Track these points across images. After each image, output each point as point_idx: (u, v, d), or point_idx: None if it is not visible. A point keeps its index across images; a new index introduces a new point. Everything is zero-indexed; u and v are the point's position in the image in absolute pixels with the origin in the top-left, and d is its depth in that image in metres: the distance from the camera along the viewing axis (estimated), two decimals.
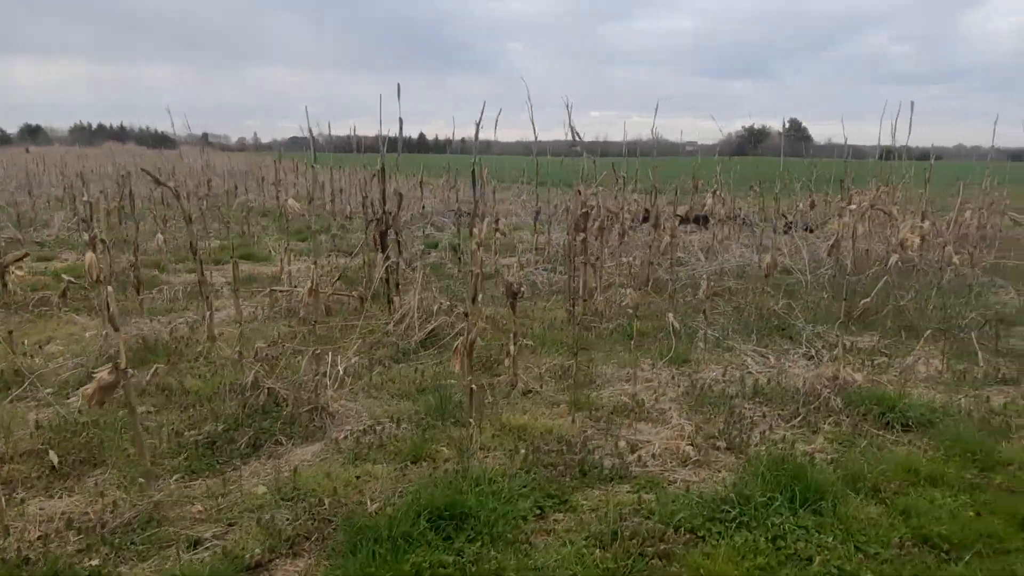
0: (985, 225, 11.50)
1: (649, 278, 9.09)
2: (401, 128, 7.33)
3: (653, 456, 4.27)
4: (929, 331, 6.49)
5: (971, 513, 3.57)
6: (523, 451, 4.20)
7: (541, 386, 5.52)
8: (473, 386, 4.55)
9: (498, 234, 9.38)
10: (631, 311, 7.61)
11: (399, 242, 7.31)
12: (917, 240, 7.27)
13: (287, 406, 4.74)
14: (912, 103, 8.53)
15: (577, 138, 7.80)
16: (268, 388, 4.79)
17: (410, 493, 3.63)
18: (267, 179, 21.93)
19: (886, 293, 7.51)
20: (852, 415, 4.87)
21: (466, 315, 5.41)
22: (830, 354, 6.25)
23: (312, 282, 6.57)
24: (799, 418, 4.85)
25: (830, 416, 4.88)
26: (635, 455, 4.30)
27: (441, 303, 6.97)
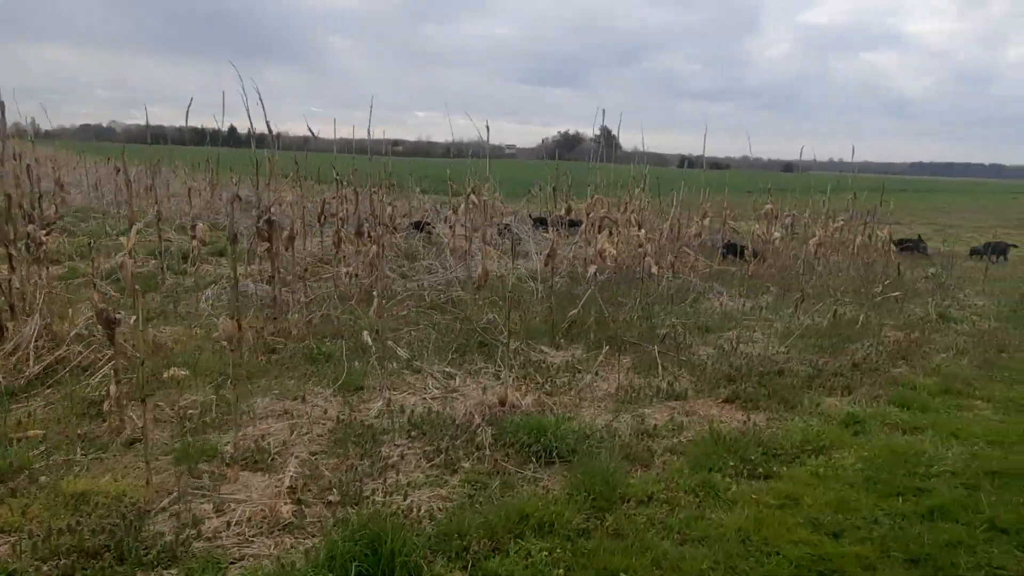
0: (710, 232, 12.24)
1: (373, 290, 8.42)
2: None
3: (236, 523, 3.52)
4: (611, 343, 6.46)
5: (560, 572, 3.21)
6: (42, 535, 3.25)
7: (158, 431, 4.58)
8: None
9: (195, 241, 8.20)
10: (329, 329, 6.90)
11: (30, 248, 5.96)
12: (612, 250, 7.27)
13: None
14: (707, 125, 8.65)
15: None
16: None
17: None
18: None
19: (596, 304, 7.45)
20: (499, 448, 4.48)
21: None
22: (514, 374, 5.94)
23: None
24: (443, 455, 4.36)
25: (477, 451, 4.45)
26: (216, 522, 3.53)
27: (78, 327, 5.76)
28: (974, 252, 14.96)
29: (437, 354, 6.40)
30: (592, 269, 6.71)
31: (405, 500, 3.82)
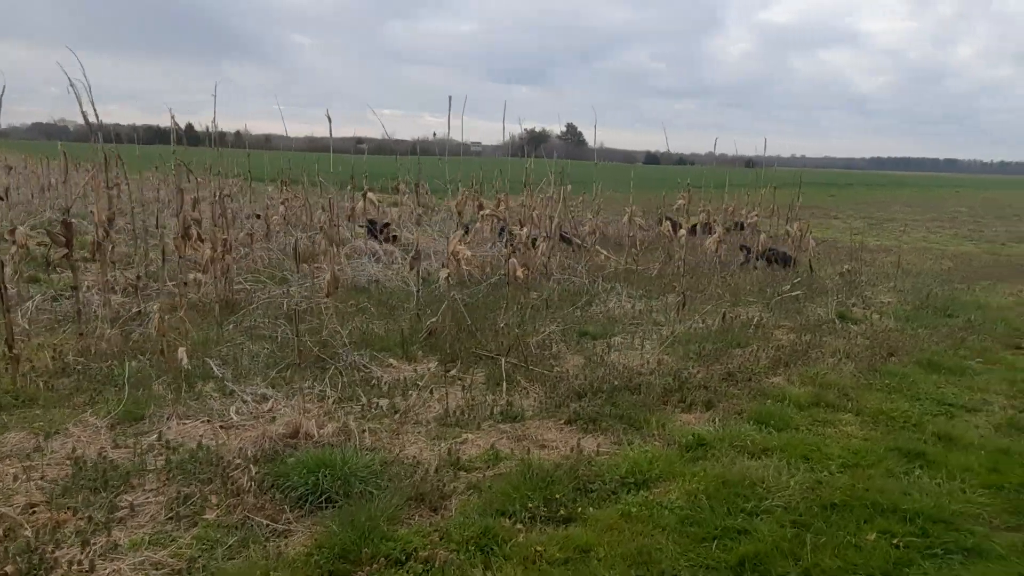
0: (635, 228, 11.67)
1: (227, 298, 7.65)
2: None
3: None
4: (466, 356, 5.82)
5: None
6: None
7: None
8: None
9: (15, 248, 7.32)
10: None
11: None
12: (466, 252, 6.62)
13: None
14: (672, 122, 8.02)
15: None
16: None
17: None
18: None
19: (459, 311, 6.80)
20: (266, 492, 3.79)
21: None
22: (337, 394, 5.26)
23: None
24: (186, 504, 3.65)
25: (235, 497, 3.75)
26: None
27: None
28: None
29: (262, 372, 5.68)
30: (443, 274, 6.04)
31: (106, 570, 3.10)
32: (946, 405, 5.49)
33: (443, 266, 6.50)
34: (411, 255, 6.79)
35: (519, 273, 7.11)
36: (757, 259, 10.87)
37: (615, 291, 9.18)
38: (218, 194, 7.80)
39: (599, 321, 7.71)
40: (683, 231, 9.57)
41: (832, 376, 6.05)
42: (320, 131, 8.69)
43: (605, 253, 10.83)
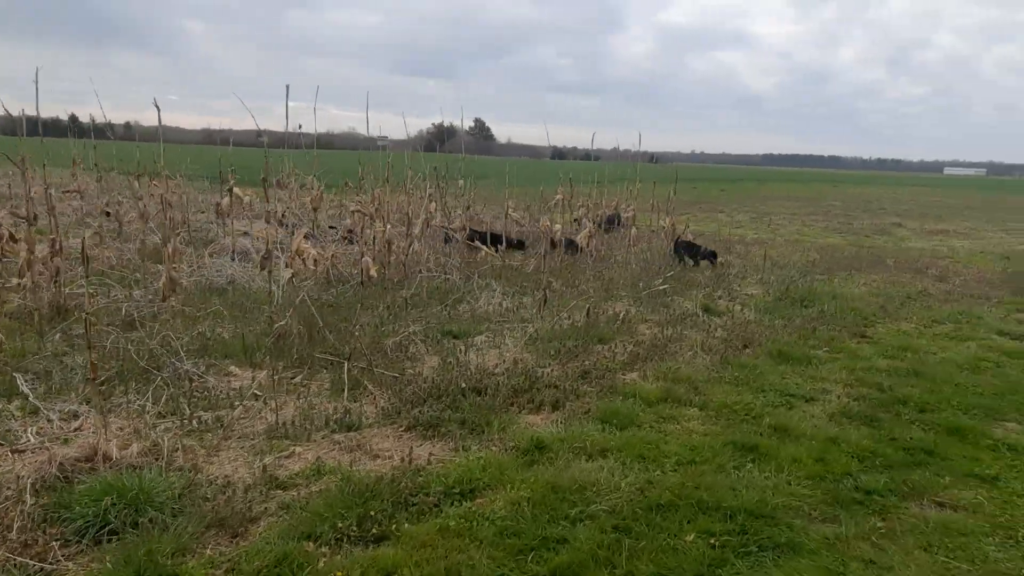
0: (512, 223, 11.55)
1: (57, 304, 6.94)
2: None
3: None
4: (314, 361, 5.47)
5: None
6: None
7: None
8: None
9: None
10: None
11: None
12: (312, 251, 6.28)
13: None
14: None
15: None
16: None
17: None
18: None
19: (310, 314, 6.42)
20: (45, 526, 3.35)
21: None
22: (161, 408, 4.80)
23: None
24: None
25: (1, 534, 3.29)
26: None
27: None
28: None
29: (77, 387, 5.13)
30: (287, 274, 5.66)
31: None
32: (788, 396, 5.63)
33: (286, 265, 6.10)
34: (261, 255, 6.34)
35: (372, 272, 6.80)
36: (700, 258, 11.03)
37: (489, 288, 9.04)
38: (47, 189, 7.05)
39: (466, 320, 7.52)
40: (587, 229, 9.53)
41: (686, 370, 6.11)
42: (217, 123, 8.07)
43: (486, 249, 10.68)
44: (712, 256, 11.06)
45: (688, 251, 11.28)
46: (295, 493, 3.84)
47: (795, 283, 10.17)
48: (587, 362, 6.19)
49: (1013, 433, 5.07)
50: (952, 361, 6.77)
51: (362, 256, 6.69)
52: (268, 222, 6.35)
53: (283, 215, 10.99)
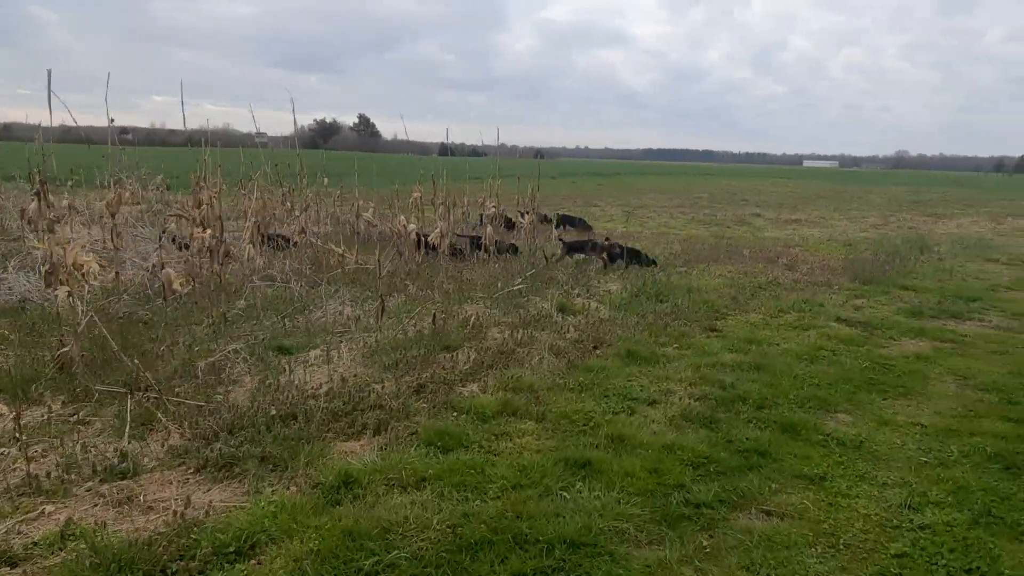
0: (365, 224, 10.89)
1: None
2: None
3: None
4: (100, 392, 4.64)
5: None
6: None
7: None
8: None
9: None
10: None
11: None
12: (93, 264, 5.45)
13: None
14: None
15: None
16: None
17: None
18: None
19: (102, 336, 5.56)
20: None
21: None
22: None
23: None
24: None
25: None
26: None
27: None
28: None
29: None
30: (63, 292, 4.81)
31: None
32: (631, 400, 5.41)
33: (61, 283, 5.21)
34: (46, 269, 5.39)
35: (176, 286, 6.01)
36: (623, 259, 10.77)
37: (338, 295, 8.39)
38: None
39: (301, 332, 6.85)
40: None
41: (529, 377, 5.77)
42: (75, 120, 6.85)
43: (341, 251, 9.98)
44: (635, 256, 10.94)
45: (578, 249, 11.16)
46: (26, 569, 3.11)
47: (653, 277, 10.17)
48: (425, 374, 5.72)
49: (843, 425, 5.08)
50: (792, 352, 6.85)
51: (162, 267, 5.87)
52: (52, 231, 5.37)
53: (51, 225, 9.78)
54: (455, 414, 4.98)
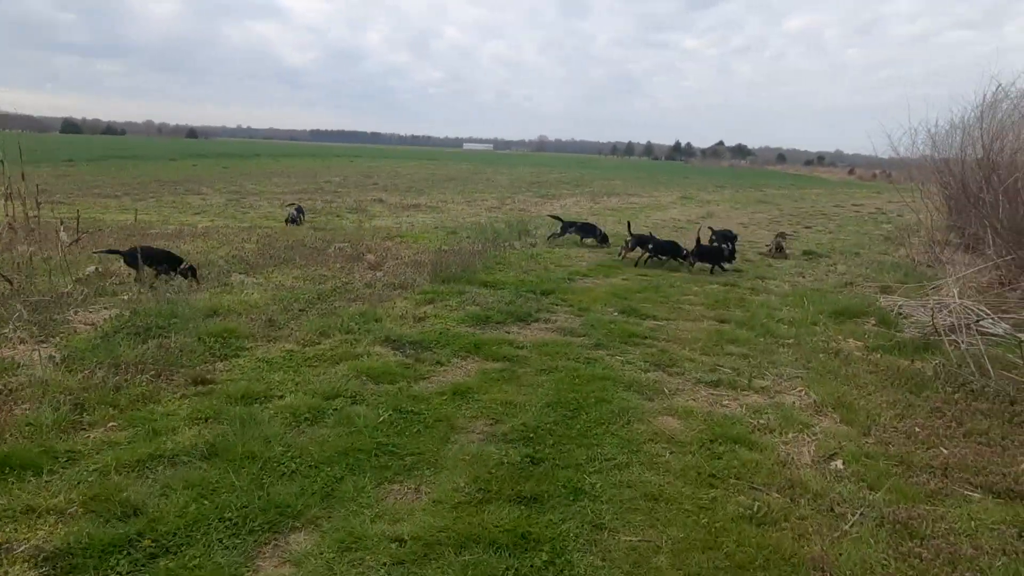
0: None
1: None
2: None
3: None
4: None
5: None
6: None
7: None
8: None
9: None
10: None
11: None
12: None
13: None
14: None
15: None
16: None
17: None
18: None
19: None
20: None
21: None
22: None
23: None
24: None
25: None
26: None
27: None
28: None
29: None
30: None
31: None
32: None
33: None
34: None
35: None
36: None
37: None
38: None
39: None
40: None
41: None
42: None
43: None
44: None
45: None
46: None
47: (166, 297, 7.44)
48: None
49: (287, 562, 3.07)
50: (290, 410, 4.78)
51: None
52: None
53: None
54: None
